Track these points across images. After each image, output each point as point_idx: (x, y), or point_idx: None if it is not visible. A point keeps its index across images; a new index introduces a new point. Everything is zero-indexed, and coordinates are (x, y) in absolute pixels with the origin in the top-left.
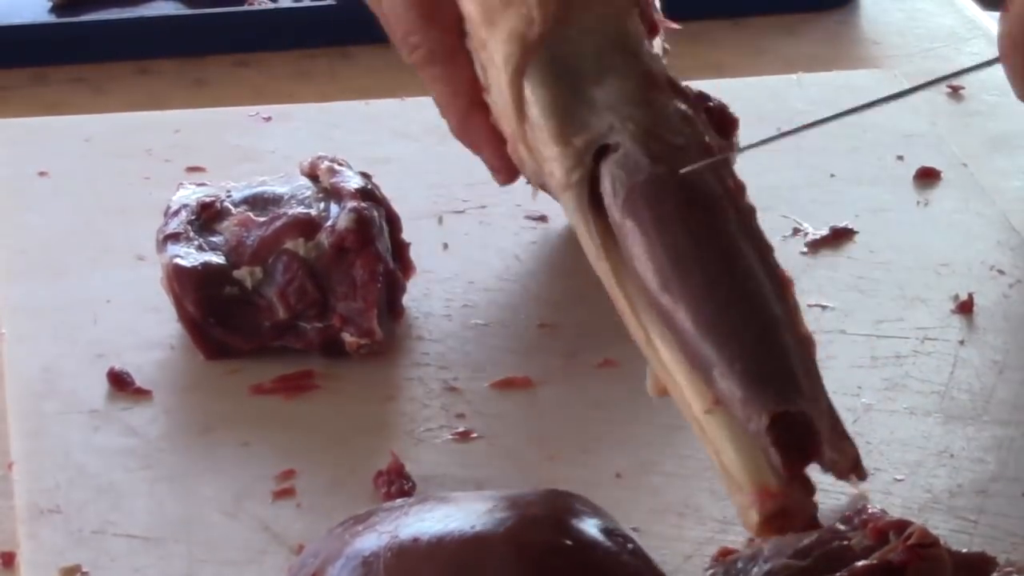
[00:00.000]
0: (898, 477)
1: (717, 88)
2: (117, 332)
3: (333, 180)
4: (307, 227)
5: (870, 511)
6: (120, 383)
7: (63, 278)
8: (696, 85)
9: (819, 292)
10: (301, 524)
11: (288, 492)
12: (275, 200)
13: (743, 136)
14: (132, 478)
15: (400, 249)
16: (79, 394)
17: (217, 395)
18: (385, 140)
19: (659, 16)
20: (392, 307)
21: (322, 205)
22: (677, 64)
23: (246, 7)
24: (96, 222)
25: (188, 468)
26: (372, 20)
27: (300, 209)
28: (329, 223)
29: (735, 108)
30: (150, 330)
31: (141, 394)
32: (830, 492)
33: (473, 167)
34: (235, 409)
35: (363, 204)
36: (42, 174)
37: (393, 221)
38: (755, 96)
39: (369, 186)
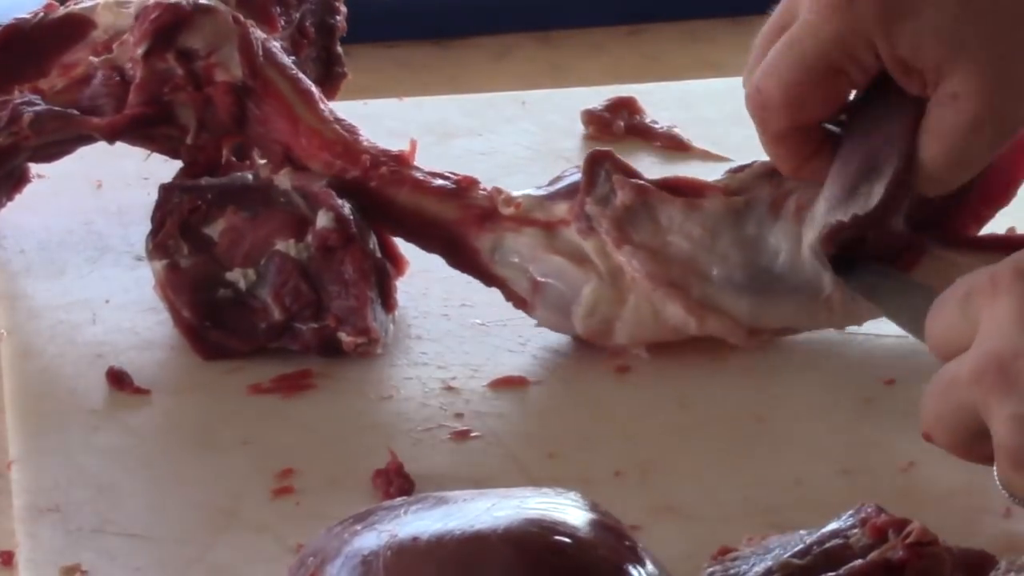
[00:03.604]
0: (897, 475)
1: (717, 88)
2: (116, 332)
3: (298, 184)
4: (297, 227)
5: (869, 510)
6: (119, 383)
7: (62, 278)
8: (695, 84)
9: None
10: (300, 523)
11: (287, 491)
12: (261, 195)
13: (743, 135)
14: (131, 477)
15: (388, 244)
16: (78, 394)
17: (216, 394)
18: (383, 140)
19: None
20: (385, 300)
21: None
22: (677, 63)
23: None
24: (95, 222)
25: (187, 467)
26: (371, 18)
27: (288, 208)
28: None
29: (734, 108)
30: (149, 330)
31: (140, 393)
32: (828, 490)
33: (472, 167)
34: (234, 408)
35: (339, 201)
36: (40, 175)
37: None
38: None
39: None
